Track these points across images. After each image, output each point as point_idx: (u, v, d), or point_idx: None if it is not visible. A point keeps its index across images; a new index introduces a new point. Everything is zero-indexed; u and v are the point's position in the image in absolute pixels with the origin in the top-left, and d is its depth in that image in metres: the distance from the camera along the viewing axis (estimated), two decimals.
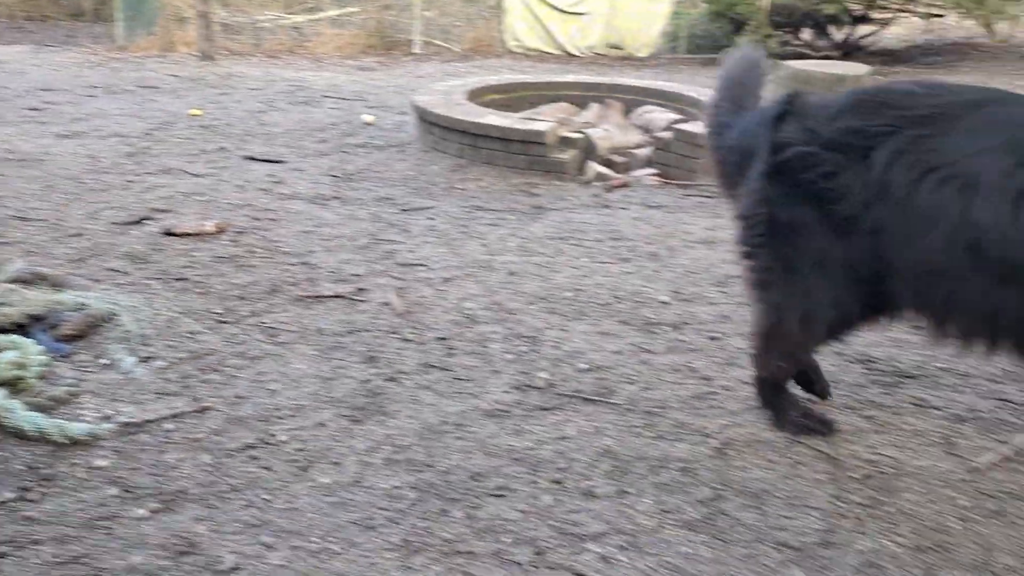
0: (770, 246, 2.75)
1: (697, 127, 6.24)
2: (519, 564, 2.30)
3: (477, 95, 7.80)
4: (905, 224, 2.48)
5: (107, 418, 2.84)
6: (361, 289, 4.11)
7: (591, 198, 5.91)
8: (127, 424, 2.83)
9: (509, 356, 3.46)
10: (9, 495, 2.47)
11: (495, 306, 3.94)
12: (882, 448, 2.86)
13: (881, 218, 2.52)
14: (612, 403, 3.12)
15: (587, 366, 3.39)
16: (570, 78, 8.87)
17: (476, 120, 6.47)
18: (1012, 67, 13.33)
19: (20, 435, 2.66)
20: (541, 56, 14.12)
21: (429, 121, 6.87)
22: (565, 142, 6.38)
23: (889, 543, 2.39)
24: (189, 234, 4.79)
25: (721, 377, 3.33)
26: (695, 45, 14.76)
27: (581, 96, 8.15)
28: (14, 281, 3.58)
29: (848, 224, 2.58)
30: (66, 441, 2.63)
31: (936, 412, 3.07)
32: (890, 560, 2.32)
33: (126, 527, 2.38)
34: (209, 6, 12.60)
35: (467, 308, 3.92)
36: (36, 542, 2.30)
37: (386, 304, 3.94)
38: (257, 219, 5.17)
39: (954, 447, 2.86)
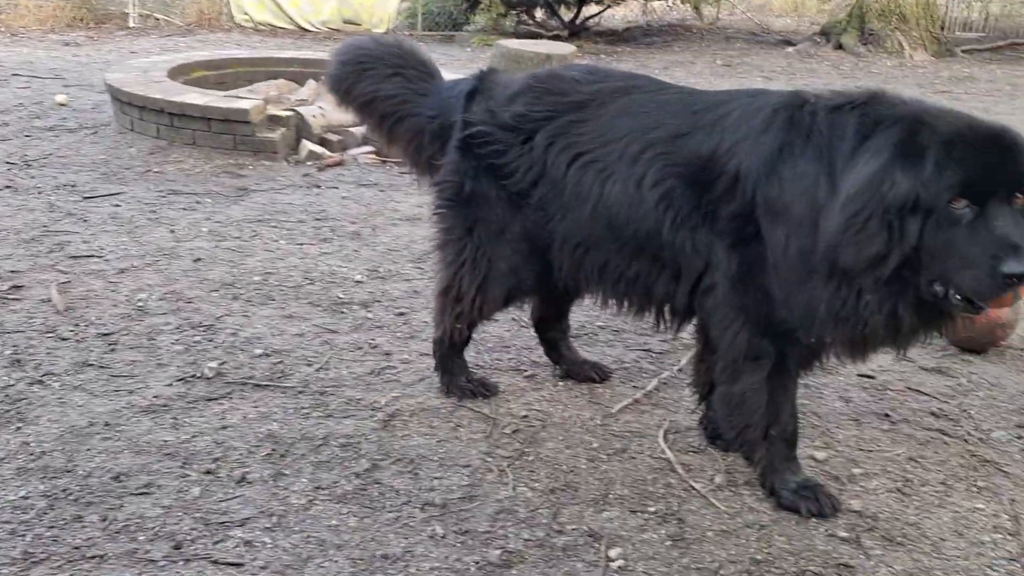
0: (455, 213, 2.88)
1: None
2: (154, 561, 2.21)
3: (184, 72, 7.34)
4: (561, 202, 2.67)
5: None
6: (17, 287, 3.74)
7: (302, 178, 5.79)
8: None
9: (179, 347, 3.31)
10: None
11: (172, 296, 3.76)
12: (536, 404, 3.07)
13: (543, 195, 2.70)
14: (284, 387, 3.09)
15: (264, 351, 3.33)
16: (289, 54, 8.61)
17: (174, 99, 6.10)
18: (717, 47, 14.74)
19: None
20: (273, 31, 13.58)
21: (124, 101, 6.38)
22: (274, 120, 6.19)
23: (525, 489, 2.58)
24: None
25: (402, 352, 3.41)
26: (433, 22, 14.91)
27: (300, 73, 7.92)
28: None
29: (519, 199, 2.74)
30: None
31: (602, 368, 3.33)
32: (523, 504, 2.50)
33: None
34: None
35: (140, 300, 3.70)
36: None
37: (46, 301, 3.62)
38: None
39: (597, 397, 3.13)
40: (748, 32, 16.70)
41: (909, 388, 3.26)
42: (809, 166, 2.30)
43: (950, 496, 2.63)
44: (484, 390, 3.08)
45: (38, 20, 12.93)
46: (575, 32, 15.11)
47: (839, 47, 13.96)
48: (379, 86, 3.01)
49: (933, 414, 3.08)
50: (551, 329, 3.26)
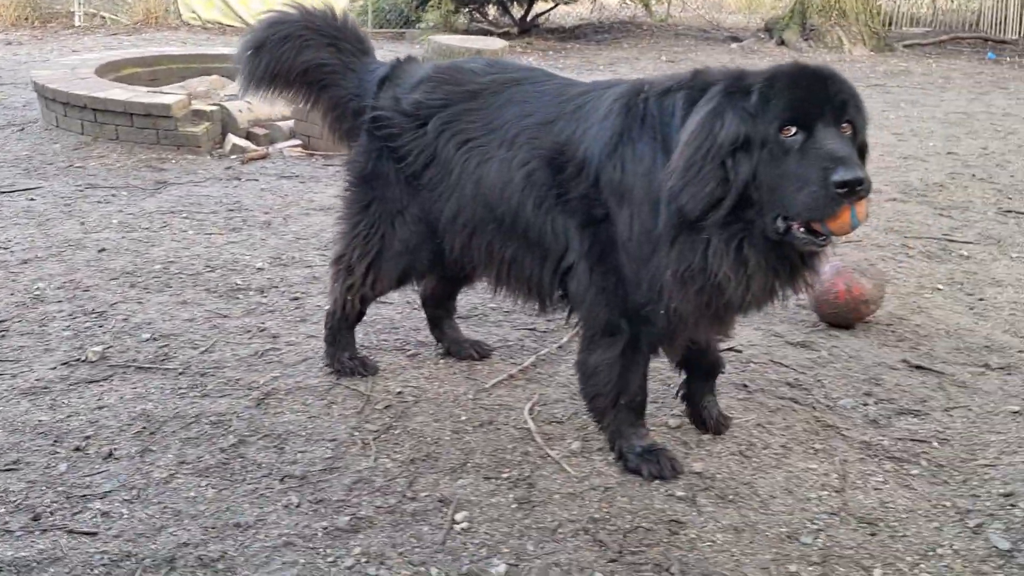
0: (357, 190, 3.00)
1: None
2: (11, 532, 2.30)
3: (115, 69, 7.39)
4: (448, 183, 2.78)
5: None
6: None
7: (224, 171, 5.87)
8: None
9: (68, 333, 3.39)
10: None
11: (70, 284, 3.83)
12: (414, 381, 3.19)
13: (432, 177, 2.81)
14: (166, 369, 3.18)
15: (151, 336, 3.41)
16: (222, 51, 8.63)
17: (97, 95, 6.14)
18: (665, 43, 14.97)
19: None
20: (222, 29, 13.60)
21: (48, 98, 6.41)
22: (198, 115, 6.25)
23: (386, 460, 2.69)
24: None
25: (289, 334, 3.51)
26: (384, 19, 14.99)
27: (234, 68, 7.97)
28: None
29: (414, 180, 2.85)
30: None
31: (483, 346, 3.45)
32: (381, 474, 2.62)
33: None
34: None
35: (37, 289, 3.77)
36: None
37: None
38: None
39: (474, 373, 3.26)
40: (698, 29, 16.97)
41: (772, 361, 3.42)
42: (646, 148, 2.43)
43: (787, 458, 2.78)
44: (363, 369, 3.19)
45: None
46: (526, 29, 15.26)
47: (781, 43, 14.25)
48: (316, 54, 3.04)
49: (788, 384, 3.24)
50: (438, 307, 3.37)
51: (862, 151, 2.39)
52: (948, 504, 2.57)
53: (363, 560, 2.27)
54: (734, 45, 14.50)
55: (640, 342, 2.60)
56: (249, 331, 3.51)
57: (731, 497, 2.57)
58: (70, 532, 2.31)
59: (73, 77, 6.59)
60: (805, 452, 2.81)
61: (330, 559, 2.26)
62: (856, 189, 2.15)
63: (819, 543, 2.39)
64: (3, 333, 3.36)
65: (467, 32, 14.02)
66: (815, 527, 2.45)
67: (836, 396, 3.16)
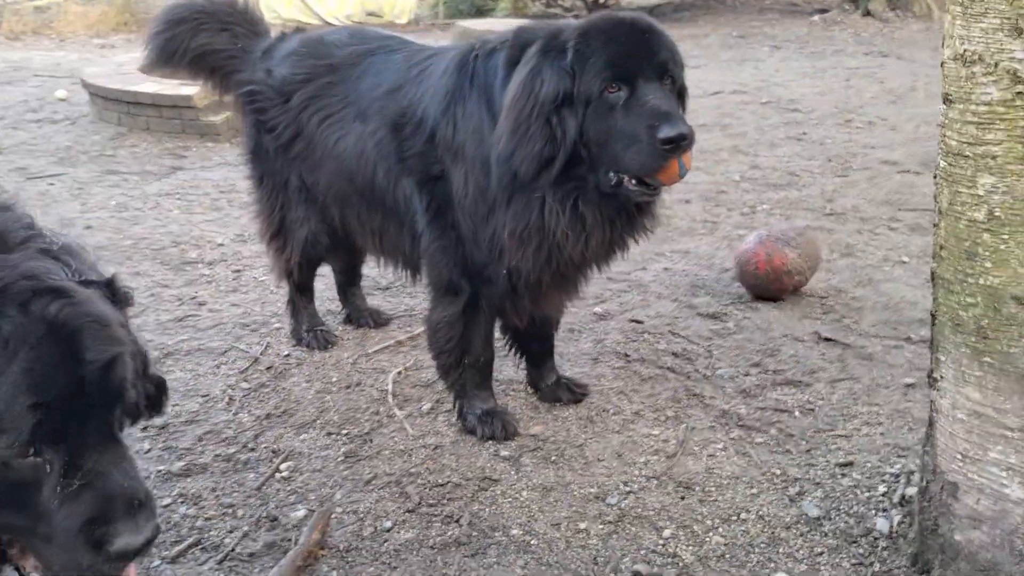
0: (252, 165, 3.18)
1: None
2: None
3: None
4: (314, 159, 2.90)
5: None
6: None
7: (236, 157, 6.18)
8: None
9: None
10: None
11: None
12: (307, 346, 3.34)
13: (300, 152, 2.94)
14: None
15: None
16: None
17: (129, 88, 6.61)
18: (745, 18, 14.53)
19: None
20: (300, 27, 14.18)
21: (92, 92, 6.95)
22: (219, 105, 6.62)
23: (245, 415, 2.86)
24: None
25: (216, 302, 3.73)
26: (456, 9, 15.22)
27: None
28: None
29: (285, 153, 2.99)
30: None
31: (380, 315, 3.56)
32: (234, 427, 2.78)
33: None
34: None
35: None
36: None
37: None
38: None
39: (366, 340, 3.37)
40: (785, 2, 16.33)
41: (671, 332, 3.36)
42: (474, 107, 2.46)
43: (633, 424, 2.75)
44: (316, 342, 3.28)
45: (85, 26, 13.94)
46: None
47: (867, 13, 13.53)
48: (211, 40, 3.18)
49: (674, 354, 3.18)
50: (342, 274, 3.49)
51: (682, 97, 2.38)
52: (778, 472, 2.48)
53: (178, 500, 2.44)
54: (816, 17, 13.88)
55: (480, 301, 2.64)
56: (181, 299, 3.75)
57: (554, 459, 2.58)
58: None
59: (115, 73, 7.12)
60: (655, 420, 2.78)
61: None
62: (681, 144, 2.17)
63: (623, 504, 2.37)
64: None
65: (544, 18, 14.06)
66: (627, 490, 2.43)
67: (719, 367, 3.08)
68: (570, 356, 3.21)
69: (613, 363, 3.14)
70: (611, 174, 2.28)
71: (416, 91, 2.59)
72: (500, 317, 2.72)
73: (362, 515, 2.35)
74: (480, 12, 15.25)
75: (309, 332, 3.31)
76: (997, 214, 1.58)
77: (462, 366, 2.71)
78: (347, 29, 3.22)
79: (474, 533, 2.27)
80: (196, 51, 3.19)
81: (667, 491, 2.42)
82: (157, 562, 2.17)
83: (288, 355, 3.26)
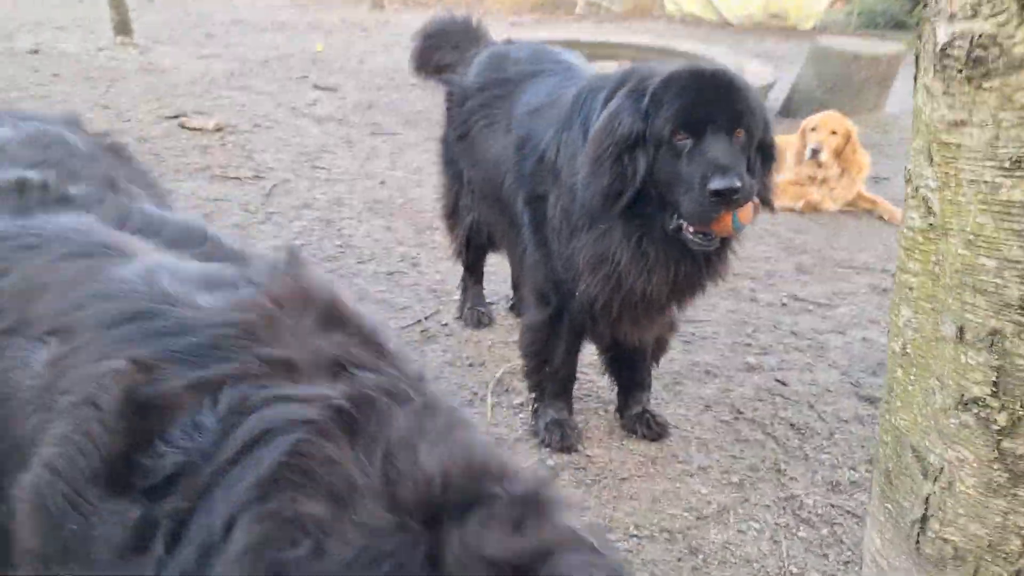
0: (441, 151, 3.62)
1: None
2: None
3: None
4: (473, 157, 3.23)
5: None
6: (260, 176, 5.44)
7: None
8: None
9: (297, 233, 4.62)
10: None
11: (325, 204, 5.10)
12: None
13: (466, 148, 3.31)
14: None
15: (342, 246, 4.47)
16: (633, 39, 9.45)
17: None
18: None
19: None
20: (697, 22, 14.38)
21: None
22: None
23: None
24: (194, 128, 6.38)
25: (427, 266, 4.25)
26: (871, 20, 14.19)
27: (633, 56, 8.75)
28: None
29: (459, 146, 3.41)
30: None
31: None
32: None
33: None
34: None
35: (304, 203, 5.11)
36: None
37: (272, 186, 5.24)
38: (257, 125, 6.66)
39: (514, 329, 3.61)
40: None
41: (809, 404, 3.08)
42: (574, 136, 2.59)
43: (691, 477, 2.66)
44: (474, 321, 3.64)
45: (511, 5, 15.65)
46: None
47: None
48: (445, 55, 3.68)
49: (792, 425, 2.94)
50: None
51: (767, 152, 2.28)
52: (795, 571, 2.26)
53: None
54: None
55: (564, 315, 2.76)
56: (403, 257, 4.33)
57: (590, 483, 2.64)
58: None
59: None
60: (717, 480, 2.66)
61: None
62: (731, 197, 2.16)
63: (620, 545, 2.36)
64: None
65: None
66: (633, 533, 2.43)
67: (828, 451, 2.79)
68: (687, 397, 3.13)
69: (722, 414, 3.01)
70: (674, 217, 2.28)
71: (545, 115, 2.75)
72: (580, 335, 2.79)
73: None
74: (897, 25, 14.04)
75: (469, 309, 3.66)
76: (908, 351, 1.34)
77: (543, 372, 2.85)
78: (531, 48, 3.37)
79: None
80: (435, 64, 3.65)
81: (670, 549, 2.35)
82: None
83: (446, 324, 3.65)
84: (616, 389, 2.98)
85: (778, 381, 3.24)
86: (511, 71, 3.12)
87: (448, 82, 3.44)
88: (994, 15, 1.11)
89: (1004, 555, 1.24)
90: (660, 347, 2.91)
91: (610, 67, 8.30)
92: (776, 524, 2.45)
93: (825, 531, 2.42)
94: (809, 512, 2.49)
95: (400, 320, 3.65)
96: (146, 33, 10.33)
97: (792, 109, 7.66)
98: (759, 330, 3.68)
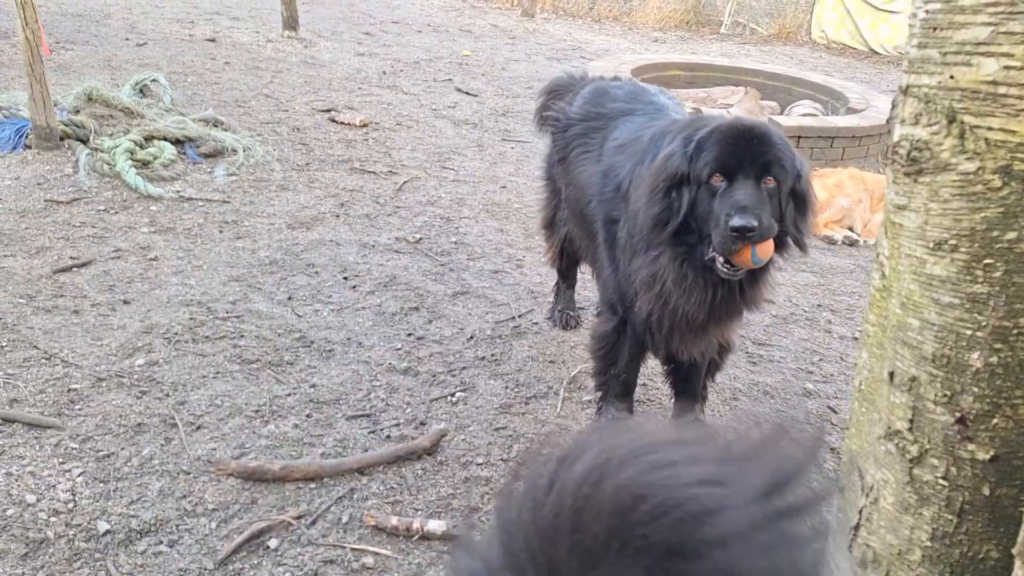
0: (544, 168, 4.06)
1: (820, 121, 6.91)
2: None
3: (659, 69, 9.00)
4: (569, 178, 3.64)
5: (177, 191, 5.17)
6: (394, 172, 6.01)
7: None
8: (182, 197, 5.13)
9: (361, 223, 5.14)
10: (101, 207, 4.91)
11: (447, 202, 5.59)
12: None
13: (564, 170, 3.72)
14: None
15: (459, 241, 4.94)
16: (760, 67, 9.52)
17: None
18: None
19: (128, 187, 5.09)
20: (843, 50, 14.14)
21: None
22: None
23: (468, 352, 3.74)
24: (343, 123, 7.06)
25: (529, 267, 4.66)
26: None
27: (762, 84, 8.87)
28: (200, 120, 6.11)
29: (559, 166, 3.83)
30: (146, 194, 5.00)
31: None
32: (455, 357, 3.69)
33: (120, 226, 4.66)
34: None
35: (427, 203, 5.62)
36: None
37: (414, 179, 5.80)
38: (399, 123, 7.28)
39: None
40: None
41: None
42: (645, 170, 2.95)
43: None
44: (562, 323, 4.07)
45: (656, 20, 15.84)
46: None
47: None
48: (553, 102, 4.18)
49: (832, 449, 3.15)
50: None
51: (801, 199, 2.57)
52: None
53: (384, 386, 3.45)
54: None
55: (627, 326, 3.11)
56: (511, 258, 4.76)
57: None
58: None
59: (613, 70, 8.39)
60: None
61: None
62: (747, 234, 2.49)
63: None
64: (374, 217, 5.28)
65: None
66: None
67: None
68: (740, 413, 3.41)
69: None
70: (708, 249, 2.62)
71: (627, 150, 3.10)
72: (642, 345, 3.12)
73: (472, 447, 3.08)
74: None
75: (559, 312, 4.05)
76: (862, 388, 1.63)
77: (608, 375, 3.21)
78: (630, 87, 3.65)
79: None
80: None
81: None
82: (339, 416, 3.21)
83: (537, 323, 4.05)
84: (673, 398, 3.30)
85: (830, 408, 3.45)
86: (609, 107, 3.48)
87: (555, 109, 3.84)
88: (929, 125, 1.40)
89: (908, 563, 1.52)
90: (715, 365, 3.20)
91: (738, 93, 8.48)
92: None
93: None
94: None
95: (497, 315, 4.09)
96: (312, 28, 11.27)
97: None
98: (825, 359, 3.88)
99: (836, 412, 3.45)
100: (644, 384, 3.51)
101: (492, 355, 3.73)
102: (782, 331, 4.18)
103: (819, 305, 4.53)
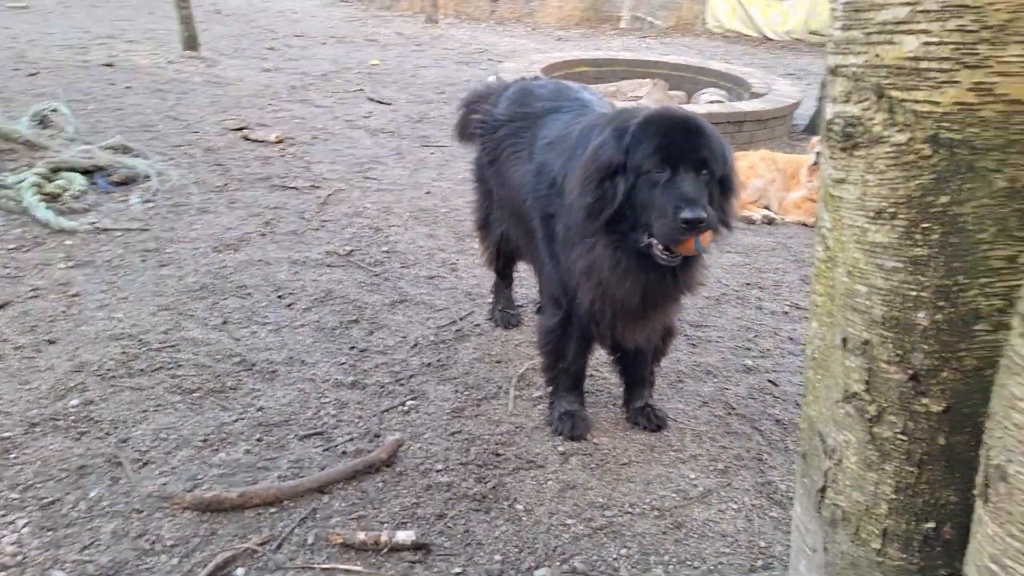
0: (474, 171, 4.04)
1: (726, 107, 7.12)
2: None
3: (569, 67, 9.13)
4: (501, 179, 3.65)
5: (92, 223, 4.98)
6: (316, 186, 5.93)
7: None
8: (97, 228, 4.95)
9: (288, 236, 5.09)
10: (11, 245, 4.70)
11: (367, 212, 5.56)
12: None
13: (496, 171, 3.73)
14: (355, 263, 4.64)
15: (343, 245, 4.91)
16: (664, 59, 9.79)
17: None
18: None
19: (38, 223, 4.88)
20: (738, 37, 14.62)
21: None
22: None
23: (414, 360, 3.73)
24: (257, 140, 6.92)
25: (465, 271, 4.67)
26: None
27: (667, 75, 9.10)
28: (108, 148, 5.90)
29: (490, 168, 3.83)
30: (59, 228, 4.80)
31: None
32: (402, 366, 3.68)
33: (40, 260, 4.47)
34: None
35: (353, 210, 5.58)
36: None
37: (323, 193, 5.73)
38: (315, 137, 7.19)
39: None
40: None
41: (797, 402, 3.42)
42: (575, 163, 3.00)
43: (684, 464, 3.03)
44: (502, 321, 4.10)
45: (558, 19, 16.05)
46: None
47: None
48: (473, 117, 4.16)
49: (777, 420, 3.28)
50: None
51: (726, 185, 2.68)
52: (763, 545, 2.62)
53: (334, 402, 3.41)
54: None
55: (572, 318, 3.15)
56: (444, 262, 4.77)
57: (594, 467, 3.02)
58: None
59: (523, 71, 8.47)
60: (705, 467, 3.02)
61: None
62: (697, 226, 2.57)
63: (615, 519, 2.75)
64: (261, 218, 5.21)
65: None
66: (628, 510, 2.80)
67: None
68: (687, 393, 3.51)
69: (716, 410, 3.38)
70: (644, 236, 2.68)
71: (557, 147, 3.15)
72: (588, 337, 3.18)
73: (430, 455, 3.08)
74: None
75: (499, 311, 4.07)
76: (815, 356, 1.71)
77: (557, 368, 3.25)
78: (553, 85, 3.67)
79: (489, 495, 2.86)
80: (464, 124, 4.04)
81: (658, 524, 2.73)
82: (291, 437, 3.16)
83: (479, 325, 4.07)
84: (623, 385, 3.36)
85: (770, 382, 3.59)
86: (535, 106, 3.52)
87: (481, 112, 3.86)
88: (860, 102, 1.48)
89: (875, 516, 1.60)
90: (660, 350, 3.28)
91: (645, 85, 8.68)
92: (752, 505, 2.82)
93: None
94: (781, 496, 2.85)
95: (438, 320, 4.09)
96: (213, 46, 11.00)
97: (817, 126, 7.90)
98: (760, 335, 4.03)
99: (776, 385, 3.58)
100: (592, 375, 3.56)
101: (438, 360, 3.73)
102: (716, 311, 4.31)
103: (747, 283, 4.69)
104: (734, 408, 3.40)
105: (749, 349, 3.90)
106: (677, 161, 2.62)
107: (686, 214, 2.54)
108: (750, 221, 5.77)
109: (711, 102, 7.89)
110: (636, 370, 3.30)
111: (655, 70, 9.27)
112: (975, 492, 1.37)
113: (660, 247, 2.66)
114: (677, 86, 8.89)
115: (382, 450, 3.03)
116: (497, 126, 3.65)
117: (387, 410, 3.35)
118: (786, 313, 4.29)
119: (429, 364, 3.70)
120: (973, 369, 1.45)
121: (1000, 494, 1.24)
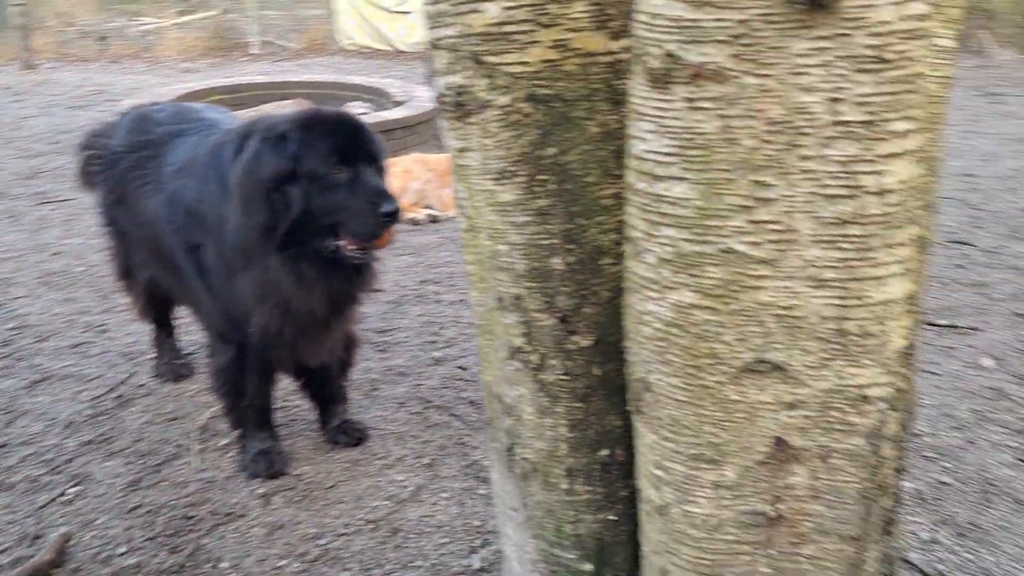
0: (101, 215, 3.52)
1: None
2: None
3: (203, 96, 8.63)
4: (133, 218, 3.27)
5: None
6: None
7: None
8: None
9: None
10: None
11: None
12: None
13: (126, 210, 3.33)
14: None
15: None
16: (302, 78, 9.72)
17: None
18: None
19: None
20: (372, 52, 14.91)
21: None
22: None
23: (71, 442, 3.26)
24: None
25: (117, 330, 4.20)
26: None
27: (308, 95, 8.98)
28: None
29: (119, 207, 3.40)
30: None
31: None
32: (56, 452, 3.19)
33: None
34: (29, 20, 13.38)
35: None
36: None
37: None
38: None
39: None
40: None
41: None
42: (212, 187, 2.79)
43: (390, 469, 2.99)
44: (181, 372, 3.70)
45: (180, 51, 15.13)
46: None
47: None
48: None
49: (471, 403, 3.38)
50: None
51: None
52: (478, 524, 2.66)
53: None
54: None
55: (247, 350, 2.94)
56: (90, 326, 4.24)
57: (299, 499, 2.85)
58: None
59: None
60: (412, 466, 3.00)
61: None
62: (396, 217, 2.60)
63: (330, 545, 2.62)
64: None
65: None
66: (343, 532, 2.68)
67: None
68: (382, 398, 3.47)
69: (413, 408, 3.38)
70: (329, 241, 2.61)
71: (188, 172, 2.93)
72: (267, 366, 3.00)
73: (108, 540, 2.69)
74: None
75: (165, 364, 3.70)
76: (480, 322, 1.74)
77: (240, 408, 3.02)
78: (174, 108, 3.40)
79: (188, 564, 2.57)
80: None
81: (375, 536, 2.65)
82: None
83: (143, 385, 3.67)
84: (316, 408, 3.23)
85: (460, 368, 3.67)
86: (156, 132, 3.23)
87: (94, 147, 3.47)
88: (463, 71, 1.52)
89: (558, 459, 1.67)
90: (346, 362, 3.20)
91: (288, 106, 8.51)
92: (462, 490, 2.85)
93: None
94: (486, 473, 2.92)
95: (92, 391, 3.61)
96: None
97: None
98: (444, 327, 4.12)
99: (465, 369, 3.67)
100: (284, 406, 3.37)
101: (100, 436, 3.29)
102: (398, 313, 4.32)
103: (423, 281, 4.77)
104: (430, 401, 3.42)
105: (435, 342, 3.95)
106: (355, 159, 2.60)
107: (386, 207, 2.56)
108: (416, 222, 5.88)
109: (359, 114, 7.92)
110: (325, 389, 3.18)
111: (296, 90, 9.10)
112: (630, 409, 1.47)
113: (352, 247, 2.62)
114: (321, 103, 8.80)
115: (47, 551, 2.59)
116: (116, 159, 3.30)
117: (44, 505, 2.88)
118: (463, 301, 4.42)
119: (89, 441, 3.25)
120: (608, 301, 1.56)
121: (649, 403, 1.34)
